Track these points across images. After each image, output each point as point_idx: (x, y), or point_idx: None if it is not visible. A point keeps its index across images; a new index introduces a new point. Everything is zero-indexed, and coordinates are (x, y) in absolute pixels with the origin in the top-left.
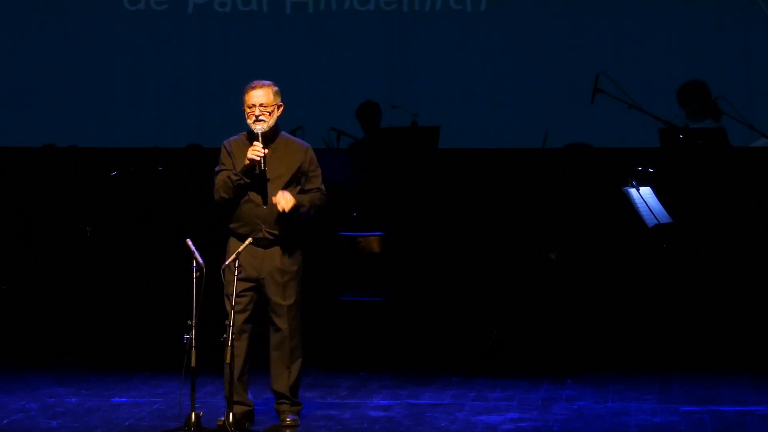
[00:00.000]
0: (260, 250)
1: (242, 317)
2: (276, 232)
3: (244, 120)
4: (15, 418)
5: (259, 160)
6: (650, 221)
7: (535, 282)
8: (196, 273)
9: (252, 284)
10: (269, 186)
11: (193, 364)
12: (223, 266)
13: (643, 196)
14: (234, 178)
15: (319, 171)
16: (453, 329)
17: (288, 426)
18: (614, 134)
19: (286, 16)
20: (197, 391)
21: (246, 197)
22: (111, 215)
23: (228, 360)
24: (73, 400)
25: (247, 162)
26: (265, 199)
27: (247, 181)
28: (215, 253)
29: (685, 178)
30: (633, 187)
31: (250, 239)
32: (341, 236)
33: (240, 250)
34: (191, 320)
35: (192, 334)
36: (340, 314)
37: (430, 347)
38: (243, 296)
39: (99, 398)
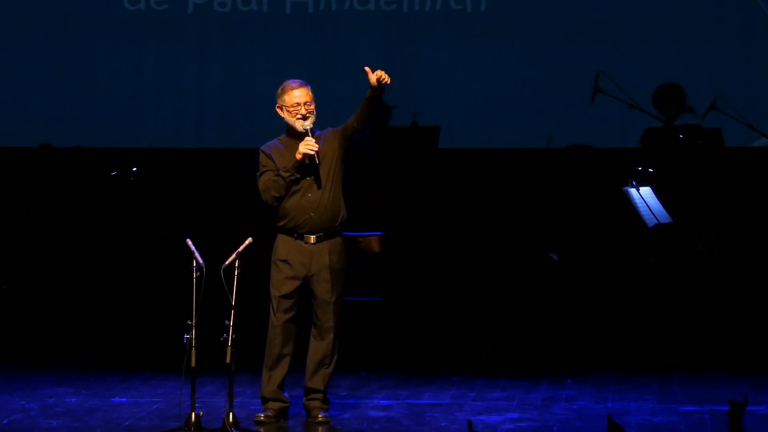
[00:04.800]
0: (308, 246)
1: (287, 317)
2: (325, 218)
3: (246, 121)
4: (15, 418)
5: (313, 154)
6: (650, 221)
7: (535, 282)
8: (196, 273)
9: (299, 282)
10: (320, 172)
11: (193, 364)
12: (223, 266)
13: (643, 196)
14: (285, 174)
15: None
16: (453, 329)
17: (321, 423)
18: (614, 134)
19: (286, 16)
20: (197, 391)
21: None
22: (111, 215)
23: (228, 360)
24: (73, 400)
25: (299, 156)
26: (320, 183)
27: (299, 176)
28: (217, 253)
29: (683, 178)
30: (633, 187)
31: (249, 239)
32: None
33: (240, 249)
34: (191, 320)
35: (192, 334)
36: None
37: (429, 347)
38: (291, 297)
39: (99, 398)
